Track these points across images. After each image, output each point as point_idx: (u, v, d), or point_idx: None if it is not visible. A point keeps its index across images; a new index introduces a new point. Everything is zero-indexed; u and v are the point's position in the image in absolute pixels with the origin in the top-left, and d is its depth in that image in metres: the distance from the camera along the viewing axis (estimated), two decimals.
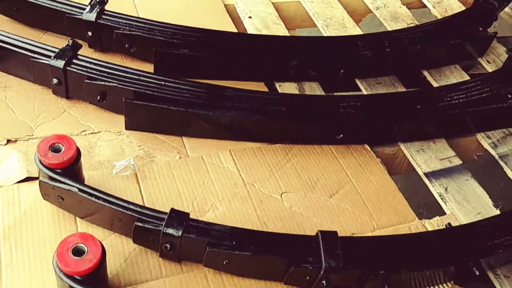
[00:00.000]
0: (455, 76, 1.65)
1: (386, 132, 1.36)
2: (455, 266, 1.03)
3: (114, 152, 1.24)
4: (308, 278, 0.97)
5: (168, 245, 0.96)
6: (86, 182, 1.13)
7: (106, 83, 1.25)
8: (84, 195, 0.97)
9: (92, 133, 1.28)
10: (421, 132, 1.38)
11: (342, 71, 1.50)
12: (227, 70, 1.44)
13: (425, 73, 1.65)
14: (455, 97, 1.39)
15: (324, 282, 0.97)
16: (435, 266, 1.00)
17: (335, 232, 1.00)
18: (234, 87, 1.32)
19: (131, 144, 1.27)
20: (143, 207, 0.97)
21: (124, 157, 1.22)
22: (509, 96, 1.38)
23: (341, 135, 1.30)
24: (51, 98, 1.35)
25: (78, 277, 0.83)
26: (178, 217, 0.95)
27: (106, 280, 0.93)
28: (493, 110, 1.39)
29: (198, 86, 1.28)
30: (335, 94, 1.56)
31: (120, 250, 1.03)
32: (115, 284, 0.97)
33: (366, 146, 1.37)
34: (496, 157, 1.41)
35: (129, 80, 1.25)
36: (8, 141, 1.21)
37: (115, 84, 1.25)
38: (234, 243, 0.95)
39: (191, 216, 0.98)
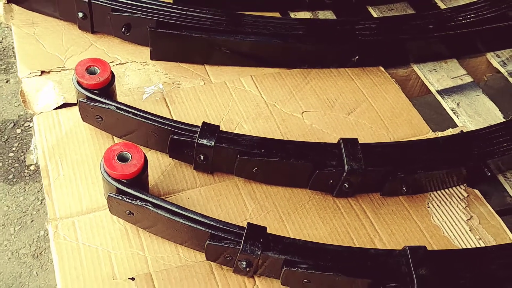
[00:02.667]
0: (466, 1, 1.68)
1: (400, 53, 1.41)
2: (467, 168, 1.11)
3: (142, 80, 1.31)
4: (331, 181, 1.05)
5: (201, 156, 1.04)
6: None
7: (130, 15, 1.30)
8: (122, 112, 1.05)
9: (119, 63, 1.34)
10: (433, 52, 1.43)
11: None
12: (243, 0, 1.48)
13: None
14: (465, 17, 1.42)
15: (346, 184, 1.05)
16: (449, 167, 1.07)
17: (356, 139, 1.07)
18: (252, 14, 1.36)
19: (157, 72, 1.33)
20: (177, 121, 1.05)
21: (152, 84, 1.28)
22: None
23: (357, 57, 1.35)
24: (77, 33, 1.40)
25: (124, 181, 0.92)
26: (210, 129, 1.03)
27: (148, 189, 1.02)
28: (502, 29, 1.43)
29: (218, 14, 1.32)
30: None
31: (156, 165, 1.11)
32: (155, 192, 1.06)
33: (381, 68, 1.42)
34: (505, 74, 1.46)
35: (152, 11, 1.30)
36: (42, 72, 1.28)
37: (138, 15, 1.30)
38: (262, 151, 1.02)
39: None
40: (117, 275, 0.92)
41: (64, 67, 1.31)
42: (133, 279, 0.89)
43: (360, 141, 1.11)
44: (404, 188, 1.08)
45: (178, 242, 0.97)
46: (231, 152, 1.03)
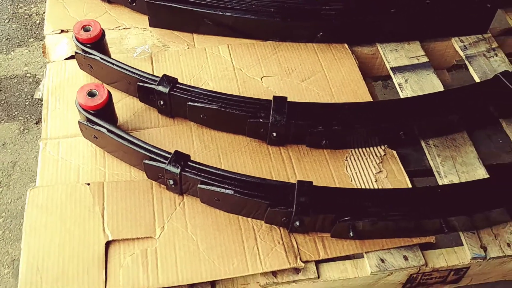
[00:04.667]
0: None
1: (363, 33, 1.59)
2: (386, 131, 1.30)
3: (138, 42, 1.60)
4: (262, 130, 1.29)
5: (161, 101, 1.32)
6: None
7: None
8: (105, 62, 1.35)
9: (124, 28, 1.65)
10: (396, 34, 1.60)
11: None
12: None
13: None
14: (428, 3, 1.58)
15: (274, 134, 1.28)
16: (365, 127, 1.27)
17: (285, 98, 1.30)
18: None
19: (152, 37, 1.62)
20: (143, 72, 1.33)
21: (146, 46, 1.58)
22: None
23: (321, 33, 1.56)
24: (97, 2, 1.72)
25: (91, 111, 1.22)
26: (167, 80, 1.30)
27: (116, 121, 1.32)
28: (466, 14, 1.57)
29: None
30: None
31: (131, 107, 1.41)
32: (124, 127, 1.35)
33: (346, 45, 1.61)
34: (463, 57, 1.60)
35: None
36: (62, 31, 1.61)
37: None
38: (206, 100, 1.28)
39: None
40: (80, 180, 1.23)
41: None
42: (88, 184, 1.20)
43: None
44: (324, 141, 1.29)
45: (131, 164, 1.25)
46: (182, 99, 1.30)
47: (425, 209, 1.10)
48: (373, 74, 1.70)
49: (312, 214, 1.09)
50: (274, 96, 1.30)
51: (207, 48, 1.58)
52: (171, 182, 1.16)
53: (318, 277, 1.13)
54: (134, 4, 1.65)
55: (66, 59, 1.53)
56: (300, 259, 1.13)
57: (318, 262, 1.16)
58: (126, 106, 1.41)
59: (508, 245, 1.18)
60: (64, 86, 1.45)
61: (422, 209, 1.10)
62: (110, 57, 1.46)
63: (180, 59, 1.54)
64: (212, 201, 1.16)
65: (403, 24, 1.58)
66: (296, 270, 1.13)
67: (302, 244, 1.16)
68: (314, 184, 1.21)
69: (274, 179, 1.27)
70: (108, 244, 1.12)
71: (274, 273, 1.12)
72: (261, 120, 1.26)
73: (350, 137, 1.29)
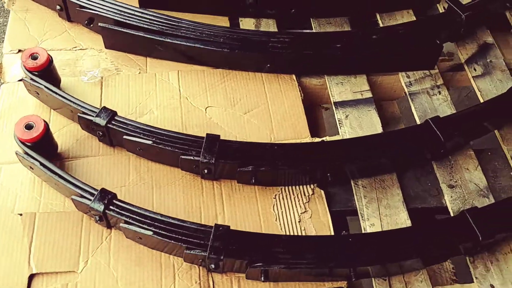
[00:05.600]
0: (404, 20, 1.84)
1: (310, 65, 1.63)
2: (312, 173, 1.35)
3: (92, 64, 1.65)
4: (195, 166, 1.34)
5: (100, 132, 1.37)
6: (64, 85, 1.56)
7: (91, 11, 1.64)
8: (49, 92, 1.40)
9: (81, 49, 1.69)
10: (342, 67, 1.63)
11: (293, 10, 1.76)
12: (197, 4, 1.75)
13: (378, 16, 1.85)
14: (376, 38, 1.61)
15: (205, 170, 1.33)
16: (292, 168, 1.32)
17: (218, 136, 1.35)
18: (188, 20, 1.64)
19: (106, 60, 1.66)
20: (84, 103, 1.38)
21: (99, 69, 1.62)
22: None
23: (268, 65, 1.60)
24: (58, 20, 1.76)
25: (28, 143, 1.27)
26: (106, 112, 1.36)
27: (55, 148, 1.37)
28: (410, 49, 1.60)
29: (158, 17, 1.62)
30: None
31: (74, 133, 1.46)
32: (65, 155, 1.41)
33: (294, 76, 1.65)
34: (407, 94, 1.63)
35: (108, 10, 1.62)
36: (19, 50, 1.65)
37: (97, 12, 1.63)
38: (141, 135, 1.33)
39: (132, 117, 1.39)
40: (15, 208, 1.29)
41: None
42: (21, 214, 1.26)
43: (245, 137, 1.38)
44: (253, 180, 1.34)
45: (64, 195, 1.31)
46: (119, 132, 1.35)
47: (334, 258, 1.16)
48: (323, 103, 1.74)
49: (224, 259, 1.14)
50: (207, 134, 1.35)
51: (158, 74, 1.62)
52: (97, 218, 1.22)
53: None
54: (91, 25, 1.69)
55: (20, 80, 1.57)
56: None
57: None
58: (69, 132, 1.46)
59: None
60: (13, 109, 1.50)
61: (330, 259, 1.16)
62: (59, 81, 1.52)
63: (130, 84, 1.59)
64: (135, 238, 1.22)
65: (349, 59, 1.61)
66: None
67: (218, 283, 1.22)
68: (239, 222, 1.27)
69: (203, 215, 1.33)
70: (32, 276, 1.19)
71: None
72: (192, 158, 1.31)
73: (277, 177, 1.34)
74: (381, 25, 1.82)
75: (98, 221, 1.23)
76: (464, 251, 1.26)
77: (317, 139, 1.49)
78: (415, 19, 1.84)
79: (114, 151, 1.44)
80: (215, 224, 1.19)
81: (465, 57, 1.74)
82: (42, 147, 1.30)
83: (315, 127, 1.66)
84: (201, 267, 1.23)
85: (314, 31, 1.79)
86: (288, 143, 1.37)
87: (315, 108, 1.74)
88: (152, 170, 1.40)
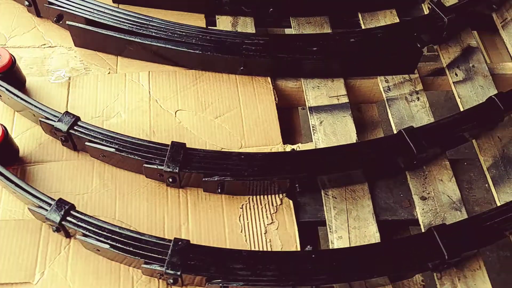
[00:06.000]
0: (387, 20, 1.78)
1: (286, 68, 1.58)
2: (279, 183, 1.31)
3: (61, 63, 1.60)
4: (159, 175, 1.30)
5: (62, 137, 1.33)
6: (29, 85, 1.51)
7: (60, 8, 1.58)
8: (11, 95, 1.35)
9: (49, 46, 1.64)
10: (318, 70, 1.58)
11: (271, 9, 1.71)
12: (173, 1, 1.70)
13: (360, 16, 1.79)
14: (352, 42, 1.55)
15: (170, 179, 1.30)
16: (262, 179, 1.28)
17: (184, 144, 1.30)
18: (161, 18, 1.59)
19: (76, 58, 1.61)
20: (46, 107, 1.33)
21: (67, 68, 1.57)
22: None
23: (242, 68, 1.55)
24: (28, 16, 1.71)
25: None
26: (69, 117, 1.31)
27: (16, 155, 1.33)
28: (389, 53, 1.55)
29: (129, 15, 1.56)
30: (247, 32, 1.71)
31: (37, 137, 1.42)
32: (27, 159, 1.37)
33: (269, 79, 1.60)
34: (385, 99, 1.59)
35: (78, 7, 1.56)
36: None
37: (66, 9, 1.57)
38: (103, 141, 1.29)
39: (99, 120, 1.36)
40: None
41: (5, 45, 1.62)
42: None
43: (214, 143, 1.35)
44: (219, 190, 1.30)
45: (23, 202, 1.28)
46: (81, 138, 1.31)
47: (294, 276, 1.13)
48: (300, 106, 1.70)
49: (182, 275, 1.11)
50: (172, 142, 1.31)
51: (128, 75, 1.57)
52: (54, 228, 1.19)
53: None
54: (60, 22, 1.63)
55: None
56: None
57: None
58: (33, 135, 1.42)
59: None
60: None
61: (291, 276, 1.12)
62: (24, 81, 1.47)
63: (98, 85, 1.54)
64: (93, 249, 1.19)
65: (325, 62, 1.56)
66: None
67: None
68: (204, 233, 1.25)
69: (167, 225, 1.30)
70: None
71: None
72: (155, 167, 1.27)
73: (244, 187, 1.30)
74: (362, 25, 1.77)
75: (56, 231, 1.19)
76: (431, 267, 1.22)
77: (289, 146, 1.45)
78: (397, 19, 1.78)
79: (78, 156, 1.40)
80: (174, 238, 1.15)
81: (447, 61, 1.69)
82: (3, 153, 1.26)
83: (291, 130, 1.63)
84: (160, 280, 1.20)
85: (292, 31, 1.73)
86: (255, 153, 1.33)
87: (292, 110, 1.69)
88: (116, 177, 1.36)
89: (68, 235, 1.22)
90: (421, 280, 1.37)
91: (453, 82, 1.63)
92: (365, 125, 1.72)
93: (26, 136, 1.42)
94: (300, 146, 1.45)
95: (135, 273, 1.21)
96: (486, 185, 1.44)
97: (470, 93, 1.61)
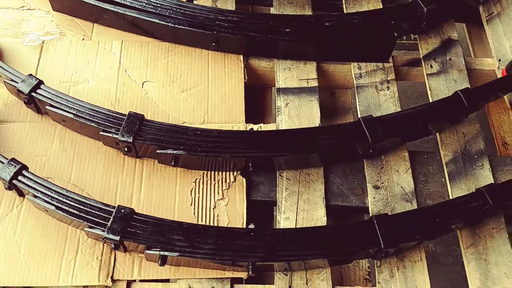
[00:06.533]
0: (370, 6, 1.76)
1: (258, 48, 1.58)
2: (232, 161, 1.33)
3: (37, 26, 1.62)
4: (116, 143, 1.33)
5: (25, 100, 1.36)
6: (3, 46, 1.54)
7: None
8: None
9: (28, 9, 1.66)
10: (291, 52, 1.58)
11: None
12: None
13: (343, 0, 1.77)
14: (328, 25, 1.55)
15: (125, 148, 1.32)
16: (215, 156, 1.30)
17: (142, 116, 1.33)
18: None
19: (52, 22, 1.63)
20: (12, 70, 1.36)
21: (41, 31, 1.59)
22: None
23: (213, 44, 1.56)
24: None
25: None
26: (30, 81, 1.34)
27: None
28: (363, 40, 1.54)
29: None
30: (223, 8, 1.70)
31: (5, 98, 1.45)
32: None
33: (241, 57, 1.60)
34: (354, 86, 1.59)
35: None
36: None
37: None
38: (62, 106, 1.32)
39: (66, 86, 1.40)
40: None
41: None
42: None
43: (177, 116, 1.38)
44: (173, 163, 1.33)
45: None
46: (42, 102, 1.34)
47: (229, 251, 1.15)
48: (273, 86, 1.70)
49: (121, 243, 1.15)
50: (129, 112, 1.33)
51: (101, 42, 1.59)
52: (6, 186, 1.23)
53: None
54: None
55: None
56: (112, 277, 1.20)
57: (132, 281, 1.23)
58: (0, 95, 1.45)
59: None
60: None
61: (226, 251, 1.15)
62: None
63: (70, 51, 1.56)
64: (43, 210, 1.23)
65: (298, 44, 1.56)
66: (106, 287, 1.20)
67: (120, 262, 1.23)
68: (154, 203, 1.28)
69: (119, 193, 1.33)
70: None
71: (86, 287, 1.20)
72: (110, 135, 1.30)
73: (197, 162, 1.33)
74: (345, 9, 1.75)
75: (8, 189, 1.23)
76: (372, 254, 1.24)
77: (252, 126, 1.47)
78: (381, 6, 1.76)
79: (42, 119, 1.43)
80: (118, 205, 1.19)
81: (424, 52, 1.67)
82: None
83: (261, 110, 1.64)
84: (105, 244, 1.24)
85: (273, 11, 1.73)
86: (211, 129, 1.34)
87: (265, 90, 1.70)
88: (76, 142, 1.40)
89: (21, 194, 1.26)
90: (367, 266, 1.39)
91: (427, 74, 1.62)
92: (336, 111, 1.73)
93: None
94: (262, 127, 1.47)
95: (82, 236, 1.25)
96: (443, 179, 1.44)
97: (442, 86, 1.59)
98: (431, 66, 1.63)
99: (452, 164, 1.44)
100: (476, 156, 1.46)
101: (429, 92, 1.59)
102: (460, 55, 1.66)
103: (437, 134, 1.50)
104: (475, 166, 1.44)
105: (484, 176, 1.42)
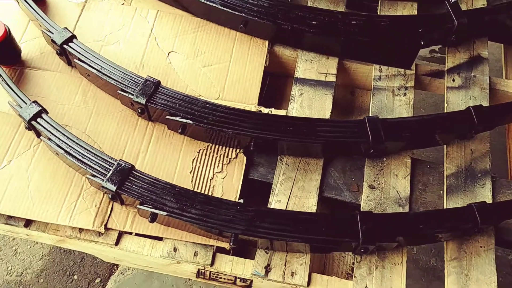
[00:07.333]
0: (405, 12, 1.77)
1: (283, 36, 1.63)
2: (236, 138, 1.39)
3: None
4: (131, 104, 1.42)
5: (58, 50, 1.47)
6: (49, 1, 1.65)
7: None
8: (25, 3, 1.50)
9: None
10: (314, 45, 1.62)
11: None
12: None
13: (379, 2, 1.79)
14: (356, 25, 1.58)
15: (139, 110, 1.41)
16: (219, 131, 1.36)
17: (159, 82, 1.40)
18: None
19: None
20: (51, 22, 1.46)
21: None
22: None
23: (241, 26, 1.62)
24: None
25: None
26: (64, 33, 1.44)
27: (18, 55, 1.49)
28: (388, 45, 1.56)
29: None
30: None
31: (42, 46, 1.56)
32: (27, 63, 1.52)
33: (266, 42, 1.66)
34: (371, 88, 1.61)
35: None
36: None
37: None
38: (90, 62, 1.42)
39: (99, 45, 1.52)
40: None
41: None
42: None
43: (194, 88, 1.46)
44: (180, 130, 1.41)
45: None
46: (72, 55, 1.44)
47: (213, 219, 1.22)
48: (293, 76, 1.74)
49: (118, 195, 1.23)
50: (147, 76, 1.41)
51: (139, 9, 1.68)
52: (26, 126, 1.34)
53: (116, 245, 1.29)
54: None
55: None
56: (106, 225, 1.30)
57: (124, 232, 1.31)
58: (38, 44, 1.57)
59: (292, 274, 1.28)
60: None
61: (209, 219, 1.22)
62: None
63: (109, 13, 1.66)
64: (54, 153, 1.33)
65: (321, 38, 1.59)
66: (99, 233, 1.30)
67: (116, 213, 1.32)
68: (157, 165, 1.37)
69: (127, 150, 1.42)
70: None
71: (81, 230, 1.30)
72: (127, 95, 1.39)
73: (202, 133, 1.39)
74: (379, 11, 1.77)
75: (27, 129, 1.34)
76: (353, 249, 1.28)
77: (263, 109, 1.52)
78: (415, 13, 1.77)
79: (71, 71, 1.53)
80: (119, 159, 1.27)
81: (450, 64, 1.67)
82: (3, 50, 1.42)
83: (279, 96, 1.69)
84: (105, 195, 1.33)
85: (308, 3, 1.76)
86: (220, 104, 1.41)
87: (288, 78, 1.75)
88: (97, 97, 1.49)
89: (38, 135, 1.37)
90: (352, 262, 1.43)
91: (447, 87, 1.62)
92: (353, 110, 1.76)
93: (33, 43, 1.56)
94: (272, 111, 1.52)
95: (86, 183, 1.35)
96: (441, 191, 1.45)
97: (460, 101, 1.59)
98: (453, 80, 1.63)
99: (453, 177, 1.45)
100: (479, 175, 1.46)
101: (445, 105, 1.60)
102: (486, 74, 1.65)
103: (445, 146, 1.51)
104: (476, 184, 1.44)
105: (484, 196, 1.42)
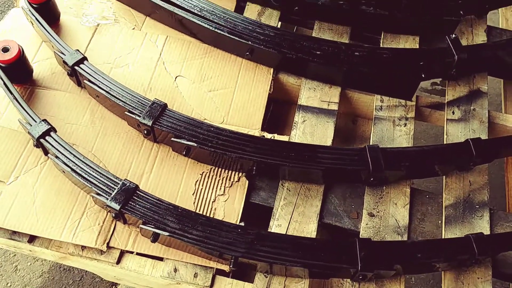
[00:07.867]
0: (406, 45, 1.82)
1: (288, 64, 1.67)
2: (240, 162, 1.42)
3: (95, 10, 1.79)
4: (138, 125, 1.45)
5: (69, 72, 1.51)
6: (63, 23, 1.71)
7: None
8: (39, 25, 1.55)
9: None
10: (317, 74, 1.67)
11: (296, 7, 1.80)
12: None
13: (382, 35, 1.84)
14: (359, 56, 1.62)
15: (145, 131, 1.44)
16: (222, 154, 1.40)
17: (165, 105, 1.44)
18: None
19: (110, 9, 1.79)
20: (63, 44, 1.51)
21: (99, 15, 1.76)
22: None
23: (247, 53, 1.67)
24: None
25: (2, 65, 1.43)
26: (76, 55, 1.49)
27: (30, 75, 1.53)
28: (390, 77, 1.60)
29: None
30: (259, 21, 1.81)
31: (53, 66, 1.61)
32: (38, 83, 1.57)
33: (271, 70, 1.70)
34: (373, 117, 1.65)
35: None
36: None
37: None
38: (98, 84, 1.46)
39: (108, 67, 1.56)
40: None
41: None
42: None
43: (200, 112, 1.50)
44: (184, 152, 1.44)
45: None
46: (82, 76, 1.48)
47: (215, 242, 1.24)
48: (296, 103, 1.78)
49: (121, 214, 1.26)
50: (154, 99, 1.45)
51: (149, 34, 1.73)
52: (34, 143, 1.37)
53: (117, 264, 1.31)
54: None
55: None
56: (108, 243, 1.32)
57: (126, 251, 1.33)
58: (50, 64, 1.62)
59: None
60: (14, 32, 1.67)
61: (211, 241, 1.24)
62: (58, 16, 1.67)
63: (119, 37, 1.71)
64: (60, 170, 1.36)
65: (325, 67, 1.64)
66: (101, 251, 1.31)
67: (118, 232, 1.34)
68: (160, 186, 1.39)
69: (132, 170, 1.45)
70: None
71: (83, 247, 1.32)
72: (134, 116, 1.42)
73: (206, 156, 1.42)
74: (381, 44, 1.82)
75: (36, 147, 1.37)
76: (352, 275, 1.29)
77: (266, 134, 1.55)
78: (417, 46, 1.82)
79: (81, 91, 1.57)
80: (124, 179, 1.30)
81: (450, 97, 1.71)
82: (16, 70, 1.46)
83: (282, 123, 1.73)
84: (109, 213, 1.35)
85: (313, 33, 1.81)
86: (224, 128, 1.44)
87: (291, 105, 1.79)
88: (105, 118, 1.53)
89: (46, 153, 1.40)
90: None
91: (447, 119, 1.66)
92: (354, 138, 1.79)
93: (45, 63, 1.61)
94: (275, 137, 1.55)
95: (91, 201, 1.37)
96: (440, 221, 1.47)
97: (460, 134, 1.63)
98: (453, 112, 1.67)
99: (451, 208, 1.47)
100: (477, 206, 1.48)
101: (445, 137, 1.63)
102: (485, 108, 1.69)
103: (444, 177, 1.53)
104: (474, 215, 1.46)
105: (481, 227, 1.44)
